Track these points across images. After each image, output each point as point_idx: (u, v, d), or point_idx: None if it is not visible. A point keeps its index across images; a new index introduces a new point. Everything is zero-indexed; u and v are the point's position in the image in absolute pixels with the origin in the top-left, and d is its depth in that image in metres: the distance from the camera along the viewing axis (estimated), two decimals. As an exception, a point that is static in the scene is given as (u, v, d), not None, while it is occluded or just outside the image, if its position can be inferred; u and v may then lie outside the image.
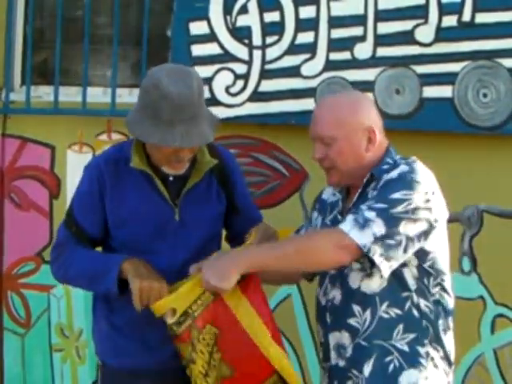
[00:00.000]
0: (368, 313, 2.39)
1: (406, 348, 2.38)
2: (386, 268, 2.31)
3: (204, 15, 3.70)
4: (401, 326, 2.38)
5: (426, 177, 2.46)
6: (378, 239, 2.30)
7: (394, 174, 2.43)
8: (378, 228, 2.30)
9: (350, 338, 2.42)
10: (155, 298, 2.35)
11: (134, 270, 2.38)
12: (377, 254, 2.29)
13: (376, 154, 2.52)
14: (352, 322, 2.42)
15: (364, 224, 2.30)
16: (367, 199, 2.40)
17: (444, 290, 2.44)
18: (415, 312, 2.39)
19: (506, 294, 3.55)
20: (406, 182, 2.40)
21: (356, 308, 2.41)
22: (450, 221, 3.58)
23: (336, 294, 2.48)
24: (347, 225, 2.33)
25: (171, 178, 2.48)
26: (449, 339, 2.46)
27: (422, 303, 2.39)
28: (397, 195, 2.35)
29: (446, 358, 2.45)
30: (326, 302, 2.52)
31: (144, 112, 2.35)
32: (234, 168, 2.68)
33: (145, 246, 2.48)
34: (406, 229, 2.33)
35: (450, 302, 2.47)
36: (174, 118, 2.30)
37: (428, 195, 2.41)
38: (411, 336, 2.38)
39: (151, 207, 2.47)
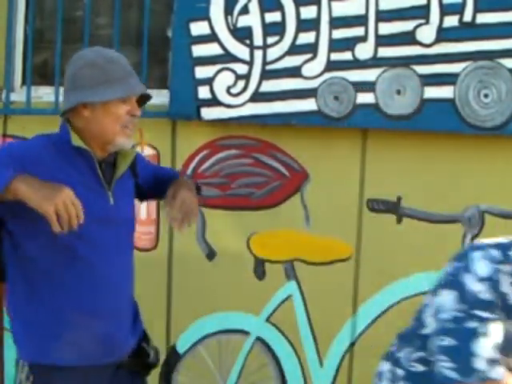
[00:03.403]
0: None
1: None
2: None
3: (205, 15, 3.70)
4: None
5: None
6: None
7: None
8: None
9: None
10: (75, 212, 2.22)
11: (33, 190, 2.20)
12: None
13: None
14: None
15: None
16: None
17: None
18: None
19: (507, 294, 3.55)
20: None
21: None
22: (450, 221, 3.61)
23: None
24: None
25: (103, 165, 2.47)
26: None
27: None
28: None
29: None
30: None
31: (92, 84, 2.39)
32: (141, 159, 2.74)
33: (81, 230, 2.32)
34: None
35: None
36: (124, 74, 2.41)
37: None
38: None
39: (91, 189, 2.42)
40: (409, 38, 3.45)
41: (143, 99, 2.56)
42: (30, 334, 2.46)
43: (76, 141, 2.40)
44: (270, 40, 3.63)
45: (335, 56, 3.55)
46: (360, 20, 3.51)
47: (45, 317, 2.41)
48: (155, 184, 2.76)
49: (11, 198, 2.21)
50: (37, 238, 2.36)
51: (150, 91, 3.88)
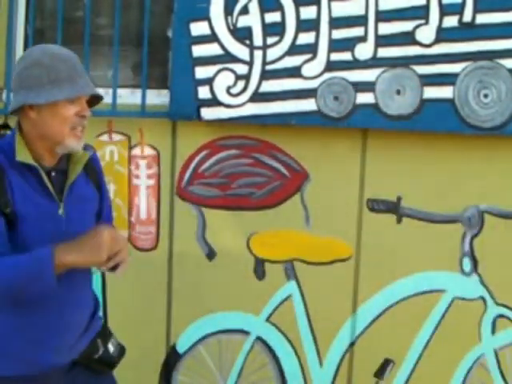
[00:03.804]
0: None
1: None
2: None
3: (205, 16, 3.70)
4: None
5: None
6: None
7: None
8: None
9: None
10: (119, 247, 2.30)
11: (78, 255, 2.25)
12: None
13: None
14: None
15: None
16: None
17: None
18: None
19: (507, 294, 3.55)
20: None
21: None
22: (450, 221, 3.61)
23: None
24: None
25: (53, 174, 2.39)
26: None
27: None
28: None
29: None
30: None
31: (37, 84, 2.31)
32: (100, 169, 2.64)
33: (32, 245, 2.30)
34: None
35: None
36: (72, 74, 2.32)
37: None
38: None
39: (39, 202, 2.34)
40: (408, 38, 3.45)
41: (95, 100, 2.46)
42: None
43: (20, 155, 2.33)
44: (270, 40, 3.63)
45: (335, 56, 3.55)
46: (360, 20, 3.51)
47: (11, 323, 2.36)
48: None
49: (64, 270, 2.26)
50: None
51: (150, 91, 3.92)
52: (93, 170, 2.54)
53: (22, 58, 2.38)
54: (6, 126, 2.48)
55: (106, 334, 2.67)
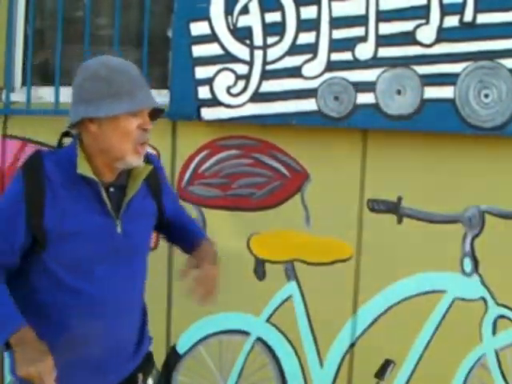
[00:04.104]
0: None
1: None
2: None
3: (205, 15, 3.70)
4: None
5: None
6: None
7: None
8: None
9: None
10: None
11: (22, 350, 2.17)
12: None
13: None
14: None
15: None
16: None
17: None
18: None
19: (508, 294, 3.54)
20: None
21: None
22: (451, 221, 3.60)
23: None
24: None
25: (112, 189, 2.32)
26: None
27: None
28: None
29: None
30: None
31: (97, 97, 2.24)
32: (164, 176, 2.57)
33: (86, 265, 2.27)
34: None
35: None
36: (132, 86, 2.25)
37: None
38: None
39: (95, 219, 2.28)
40: (409, 38, 3.45)
41: (157, 112, 2.40)
42: None
43: (81, 168, 2.25)
44: (270, 40, 3.63)
45: (335, 56, 3.54)
46: (360, 20, 3.51)
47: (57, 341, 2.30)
48: (178, 230, 2.62)
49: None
50: (41, 274, 2.28)
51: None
52: (154, 180, 2.46)
53: (81, 69, 2.32)
54: (67, 134, 2.38)
55: (148, 366, 2.59)
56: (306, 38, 3.58)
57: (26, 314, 2.25)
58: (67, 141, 2.39)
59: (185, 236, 2.63)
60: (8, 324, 2.20)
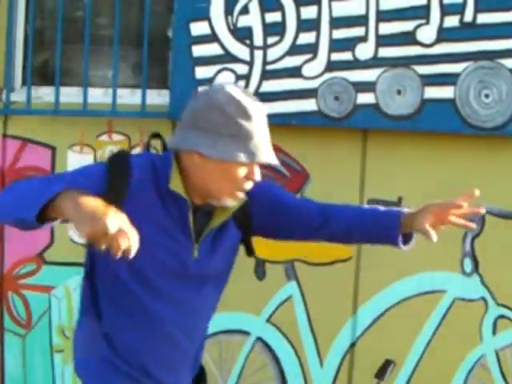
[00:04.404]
0: None
1: None
2: None
3: (205, 15, 3.70)
4: None
5: None
6: None
7: None
8: None
9: None
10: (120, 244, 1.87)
11: (75, 209, 1.87)
12: None
13: None
14: None
15: None
16: None
17: None
18: None
19: (508, 295, 3.54)
20: None
21: None
22: (451, 222, 3.60)
23: None
24: None
25: (198, 213, 2.15)
26: None
27: None
28: None
29: None
30: None
31: (213, 131, 2.04)
32: (267, 196, 2.30)
33: (154, 279, 2.14)
34: None
35: None
36: (254, 134, 2.06)
37: None
38: None
39: (174, 236, 2.13)
40: (409, 38, 3.45)
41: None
42: (87, 360, 2.23)
43: (174, 184, 2.09)
44: (271, 40, 3.63)
45: (335, 56, 3.54)
46: (360, 20, 3.51)
47: (122, 344, 2.19)
48: (338, 218, 2.32)
49: (59, 217, 1.93)
50: (105, 279, 2.16)
51: (150, 91, 3.91)
52: (243, 210, 2.22)
53: (206, 94, 2.12)
54: (157, 135, 2.26)
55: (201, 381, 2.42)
56: (306, 38, 3.58)
57: (89, 316, 2.17)
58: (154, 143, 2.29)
59: (361, 219, 2.36)
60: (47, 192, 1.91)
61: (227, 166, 2.05)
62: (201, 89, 2.14)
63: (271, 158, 2.09)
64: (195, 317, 2.24)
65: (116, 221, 1.83)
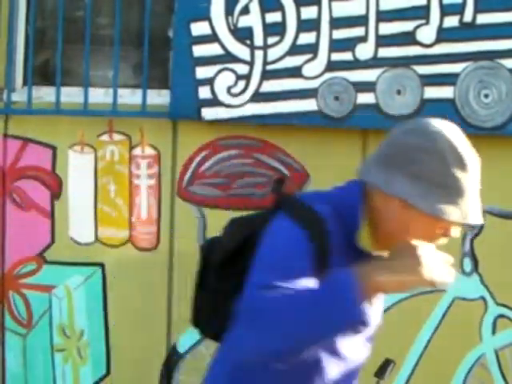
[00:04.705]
0: None
1: None
2: None
3: (205, 16, 3.70)
4: None
5: None
6: None
7: None
8: None
9: None
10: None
11: (383, 265, 1.71)
12: None
13: None
14: None
15: None
16: None
17: None
18: None
19: (507, 294, 3.55)
20: None
21: None
22: (451, 221, 3.61)
23: None
24: None
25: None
26: None
27: None
28: None
29: None
30: None
31: (425, 179, 1.78)
32: None
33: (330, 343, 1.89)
34: None
35: None
36: (468, 190, 1.79)
37: None
38: None
39: None
40: (409, 38, 3.45)
41: None
42: None
43: (364, 242, 1.86)
44: (271, 40, 3.63)
45: (336, 56, 3.55)
46: (360, 20, 3.51)
47: None
48: None
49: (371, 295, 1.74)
50: None
51: (150, 91, 3.92)
52: None
53: (420, 129, 1.85)
54: (282, 181, 2.00)
55: None
56: (307, 38, 3.58)
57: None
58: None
59: None
60: (339, 282, 1.70)
61: (432, 220, 1.80)
62: (410, 122, 1.93)
63: (480, 219, 1.81)
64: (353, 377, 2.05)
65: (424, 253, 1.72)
